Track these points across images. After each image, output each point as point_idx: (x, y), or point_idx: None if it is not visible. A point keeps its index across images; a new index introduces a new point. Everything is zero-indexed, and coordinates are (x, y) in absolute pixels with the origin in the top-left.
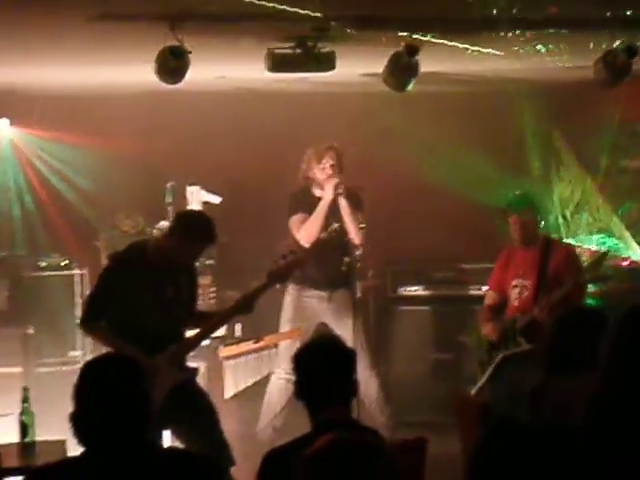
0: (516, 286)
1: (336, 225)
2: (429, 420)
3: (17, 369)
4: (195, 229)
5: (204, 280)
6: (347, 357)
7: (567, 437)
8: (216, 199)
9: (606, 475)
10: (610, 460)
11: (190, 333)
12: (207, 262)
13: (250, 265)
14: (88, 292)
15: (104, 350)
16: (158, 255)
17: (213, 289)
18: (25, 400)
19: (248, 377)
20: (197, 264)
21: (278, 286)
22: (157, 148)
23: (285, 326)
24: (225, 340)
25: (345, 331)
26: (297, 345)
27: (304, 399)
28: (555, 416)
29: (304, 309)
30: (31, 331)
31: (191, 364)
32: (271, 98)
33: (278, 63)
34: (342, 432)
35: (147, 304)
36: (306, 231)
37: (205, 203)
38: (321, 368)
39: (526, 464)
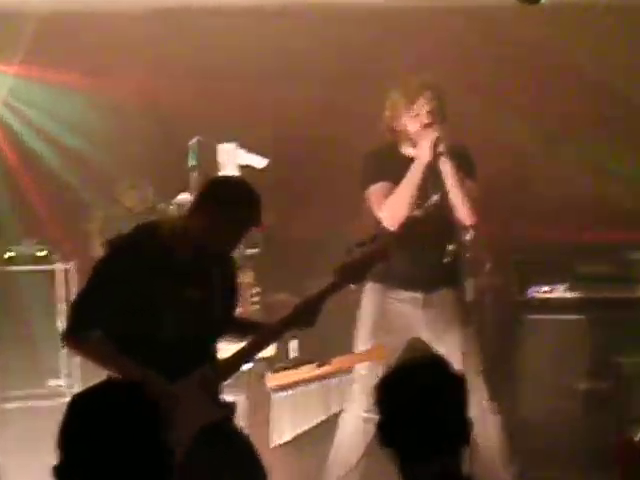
0: None
1: (436, 197)
2: (574, 478)
3: None
4: (233, 203)
5: (244, 277)
6: (454, 386)
7: None
8: (260, 162)
9: None
10: None
11: (225, 351)
12: (247, 252)
13: (308, 257)
14: (76, 292)
15: (99, 376)
16: (179, 241)
17: (256, 290)
18: None
19: (308, 416)
20: (235, 255)
21: (353, 287)
22: (174, 89)
23: (363, 343)
24: (275, 363)
25: (451, 349)
26: (380, 370)
27: (391, 447)
28: None
29: (390, 318)
30: None
31: (227, 397)
32: (331, 12)
33: None
34: None
35: (164, 309)
36: (392, 207)
37: (244, 167)
38: (416, 403)
39: None
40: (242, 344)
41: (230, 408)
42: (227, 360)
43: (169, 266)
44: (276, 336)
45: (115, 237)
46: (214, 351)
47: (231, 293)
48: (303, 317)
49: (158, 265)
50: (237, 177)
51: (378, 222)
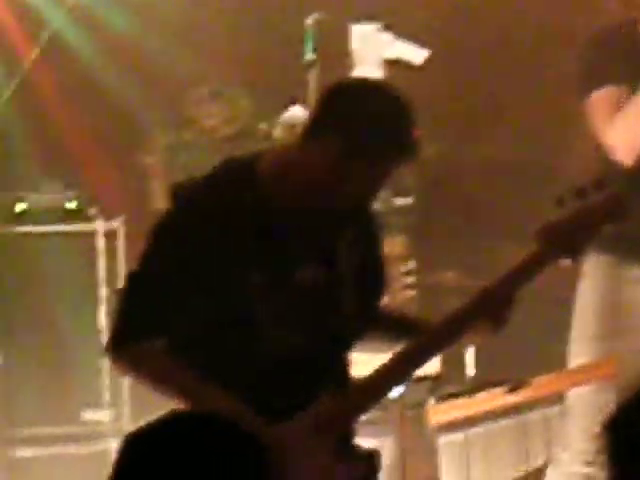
0: None
1: None
2: None
3: None
4: (370, 121)
5: (390, 247)
6: None
7: None
8: (418, 54)
9: None
10: None
11: (362, 365)
12: (395, 204)
13: (490, 211)
14: (126, 274)
15: (160, 406)
16: (288, 187)
17: (410, 266)
18: None
19: (496, 470)
20: (376, 208)
21: (566, 262)
22: None
23: (582, 353)
24: (442, 386)
25: None
26: (612, 395)
27: None
28: None
29: (629, 312)
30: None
31: (365, 442)
32: None
33: None
34: None
35: (265, 298)
36: (629, 127)
37: (392, 63)
38: None
39: None
40: (390, 355)
41: (371, 461)
42: (365, 381)
43: (273, 230)
44: (447, 342)
45: (186, 186)
46: (343, 368)
47: (372, 273)
48: (490, 311)
49: (257, 229)
50: (377, 81)
51: (604, 152)
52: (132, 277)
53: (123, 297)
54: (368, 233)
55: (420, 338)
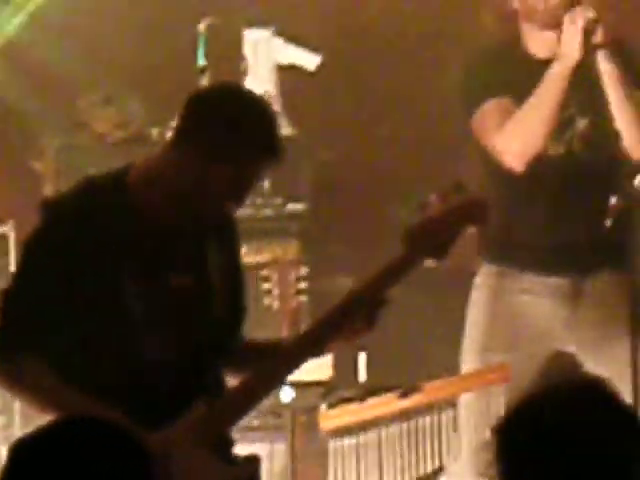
0: None
1: (584, 122)
2: None
3: None
4: (229, 125)
5: (284, 251)
6: (624, 429)
7: None
8: (311, 60)
9: None
10: None
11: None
12: (290, 208)
13: (381, 215)
14: (5, 285)
15: (43, 417)
16: (156, 196)
17: (303, 271)
18: None
19: (387, 475)
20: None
21: (432, 263)
22: None
23: (473, 359)
24: (333, 391)
25: (615, 368)
26: (502, 403)
27: None
28: None
29: (518, 321)
30: None
31: (246, 447)
32: None
33: None
34: None
35: (138, 309)
36: (514, 137)
37: (285, 68)
38: (565, 457)
39: None
40: (263, 359)
41: (249, 467)
42: (239, 389)
43: (144, 240)
44: (318, 345)
45: (55, 200)
46: (217, 375)
47: (236, 279)
48: (359, 313)
49: (130, 240)
50: (236, 86)
51: (491, 161)
52: (7, 294)
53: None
54: (232, 239)
55: (292, 343)
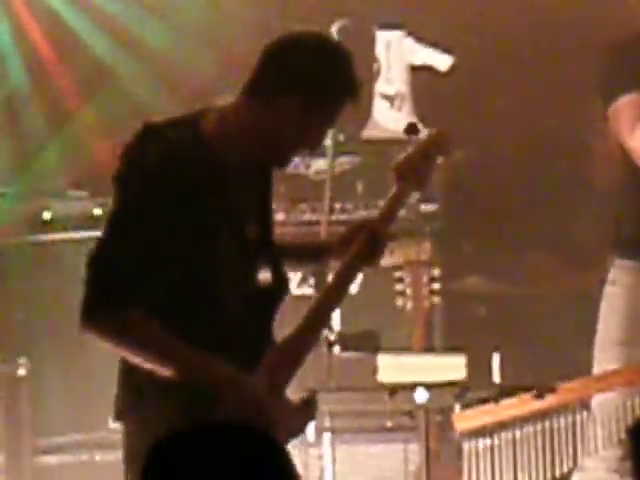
0: None
1: None
2: None
3: None
4: (325, 75)
5: (416, 252)
6: None
7: None
8: (443, 61)
9: None
10: None
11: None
12: (422, 209)
13: (519, 216)
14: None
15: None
16: (238, 147)
17: (436, 272)
18: None
19: (521, 476)
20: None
21: (417, 196)
22: None
23: (609, 359)
24: (465, 393)
25: None
26: (636, 399)
27: None
28: None
29: None
30: (23, 372)
31: (381, 447)
32: None
33: None
34: None
35: (227, 260)
36: None
37: (418, 69)
38: None
39: None
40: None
41: (313, 408)
42: (290, 339)
43: (227, 194)
44: (343, 289)
45: (139, 150)
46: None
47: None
48: (369, 249)
49: (212, 194)
50: (315, 33)
51: (627, 155)
52: (101, 245)
53: (95, 265)
54: (269, 185)
55: (321, 294)
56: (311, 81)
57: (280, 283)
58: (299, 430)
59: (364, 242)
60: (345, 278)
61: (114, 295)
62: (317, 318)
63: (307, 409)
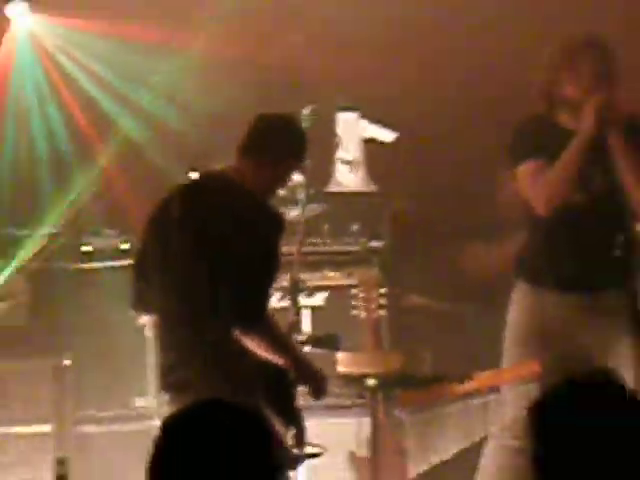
0: None
1: (602, 179)
2: None
3: (45, 427)
4: (303, 146)
5: (368, 275)
6: (631, 412)
7: None
8: (388, 135)
9: None
10: None
11: None
12: (372, 244)
13: (450, 248)
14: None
15: (190, 395)
16: (258, 190)
17: (382, 291)
18: (61, 478)
19: (447, 443)
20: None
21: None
22: (286, 48)
23: (512, 357)
24: (406, 380)
25: (621, 364)
26: (533, 389)
27: None
28: None
29: (546, 327)
30: (68, 362)
31: (340, 420)
32: None
33: None
34: None
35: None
36: (546, 189)
37: (369, 141)
38: (585, 433)
39: None
40: None
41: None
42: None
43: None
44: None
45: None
46: None
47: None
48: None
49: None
50: (292, 117)
51: (528, 206)
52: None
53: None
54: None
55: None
56: (289, 152)
57: None
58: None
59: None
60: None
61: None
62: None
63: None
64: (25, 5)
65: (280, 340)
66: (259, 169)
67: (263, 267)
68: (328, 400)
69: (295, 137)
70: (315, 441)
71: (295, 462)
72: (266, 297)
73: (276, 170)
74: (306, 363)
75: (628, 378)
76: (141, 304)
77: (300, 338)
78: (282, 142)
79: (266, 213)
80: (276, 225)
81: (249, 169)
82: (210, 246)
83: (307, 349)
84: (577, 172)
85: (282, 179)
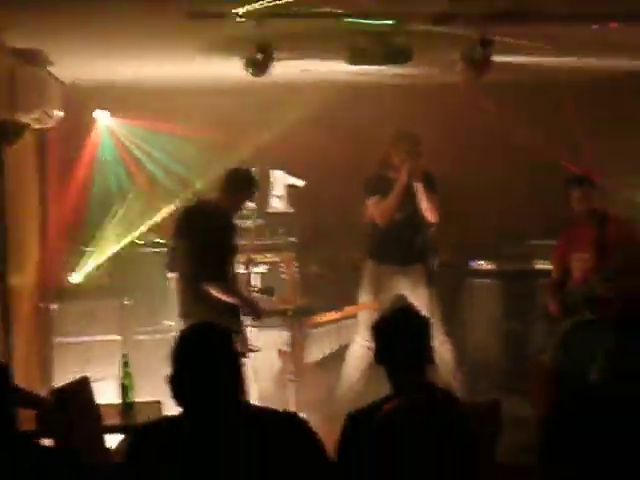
0: (577, 260)
1: (410, 206)
2: (501, 384)
3: (117, 337)
4: (254, 185)
5: (288, 255)
6: (424, 325)
7: (635, 393)
8: (299, 182)
9: None
10: None
11: None
12: (289, 239)
13: (329, 237)
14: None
15: (193, 319)
16: (229, 212)
17: (296, 264)
18: (125, 365)
19: (330, 344)
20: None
21: None
22: (245, 137)
23: (364, 298)
24: (309, 311)
25: (421, 302)
26: (375, 315)
27: (384, 364)
28: (625, 375)
29: (382, 282)
30: (129, 302)
31: (270, 332)
32: (352, 90)
33: (357, 56)
34: (414, 394)
35: (234, 250)
36: (382, 211)
37: (289, 186)
38: (400, 335)
39: (598, 424)
40: None
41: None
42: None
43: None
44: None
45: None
46: None
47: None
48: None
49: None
50: (248, 170)
51: (374, 221)
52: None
53: (215, 259)
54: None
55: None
56: (245, 189)
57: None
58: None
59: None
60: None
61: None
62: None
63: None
64: (107, 113)
65: (233, 290)
66: (228, 198)
67: (220, 249)
68: (267, 322)
69: (247, 180)
70: (259, 344)
71: (245, 354)
72: (223, 265)
73: (237, 199)
74: (250, 301)
75: (424, 310)
76: (170, 268)
77: (252, 289)
78: (240, 183)
79: (228, 221)
80: (232, 227)
81: (223, 198)
82: (196, 237)
83: (256, 295)
84: (398, 203)
85: (241, 204)
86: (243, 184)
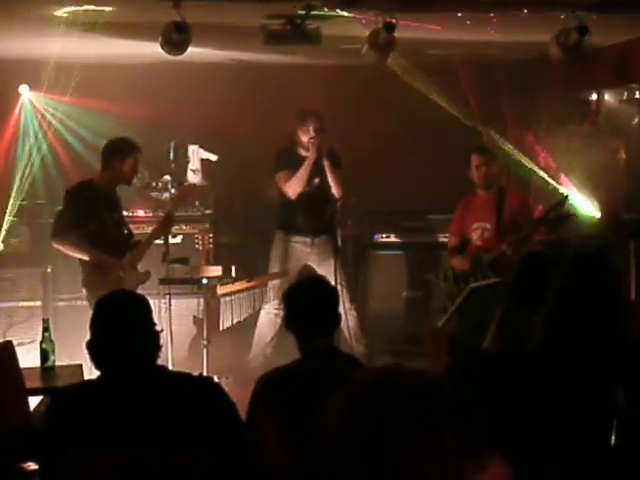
0: (477, 228)
1: (317, 180)
2: (401, 349)
3: (38, 303)
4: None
5: (203, 227)
6: (331, 293)
7: (523, 361)
8: (213, 157)
9: (553, 388)
10: (557, 378)
11: None
12: (205, 211)
13: (246, 210)
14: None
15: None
16: (108, 185)
17: (210, 235)
18: (46, 330)
19: (242, 312)
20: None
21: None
22: (163, 112)
23: (274, 268)
24: (222, 280)
25: (327, 272)
26: (284, 284)
27: (293, 330)
28: (515, 343)
29: (290, 253)
30: (50, 270)
31: (184, 300)
32: (263, 69)
33: (271, 37)
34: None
35: (110, 227)
36: (292, 186)
37: (204, 160)
38: (309, 303)
39: (490, 386)
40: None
41: (148, 275)
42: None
43: (105, 199)
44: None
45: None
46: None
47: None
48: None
49: (102, 200)
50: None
51: (283, 194)
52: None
53: (64, 219)
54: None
55: (151, 233)
56: (117, 158)
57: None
58: (138, 284)
59: (165, 220)
60: (157, 232)
61: (64, 230)
62: (149, 242)
63: (144, 276)
64: (26, 86)
65: (81, 246)
66: (104, 171)
67: (76, 215)
68: (182, 290)
69: (119, 150)
70: (178, 312)
71: None
72: (78, 229)
73: (115, 169)
74: (106, 258)
75: (330, 280)
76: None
77: (169, 258)
78: (113, 154)
79: (93, 192)
80: (96, 198)
81: (99, 174)
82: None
83: (172, 265)
84: (306, 177)
85: (121, 172)
86: (114, 154)
